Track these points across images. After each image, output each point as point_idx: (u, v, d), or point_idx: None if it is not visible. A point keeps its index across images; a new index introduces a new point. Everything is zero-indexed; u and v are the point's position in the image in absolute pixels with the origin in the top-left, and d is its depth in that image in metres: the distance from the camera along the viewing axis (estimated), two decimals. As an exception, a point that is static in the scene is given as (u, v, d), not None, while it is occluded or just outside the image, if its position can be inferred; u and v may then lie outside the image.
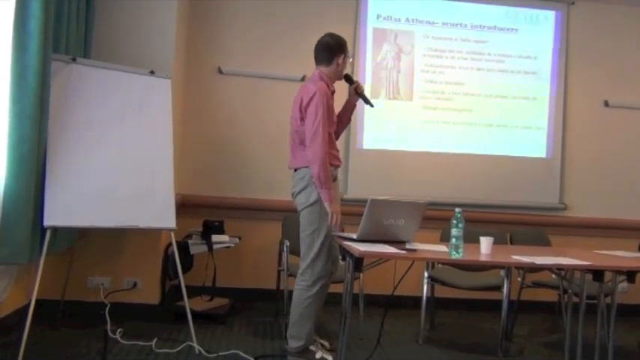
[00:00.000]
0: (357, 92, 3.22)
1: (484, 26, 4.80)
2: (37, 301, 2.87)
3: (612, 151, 4.87)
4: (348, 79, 3.21)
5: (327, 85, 3.03)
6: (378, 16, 4.70)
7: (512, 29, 4.83)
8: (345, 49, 3.10)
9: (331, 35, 3.11)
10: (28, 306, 2.87)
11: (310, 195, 2.98)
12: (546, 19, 4.87)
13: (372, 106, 3.26)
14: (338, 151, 3.14)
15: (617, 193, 4.80)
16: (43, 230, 2.92)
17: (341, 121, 3.25)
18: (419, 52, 4.73)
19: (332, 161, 3.02)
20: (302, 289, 3.01)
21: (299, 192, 3.02)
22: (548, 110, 4.84)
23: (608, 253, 3.38)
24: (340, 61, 3.07)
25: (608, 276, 2.91)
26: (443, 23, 4.76)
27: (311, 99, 2.91)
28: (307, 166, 2.96)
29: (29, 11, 2.82)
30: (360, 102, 3.27)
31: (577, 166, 4.85)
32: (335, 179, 3.06)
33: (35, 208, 2.92)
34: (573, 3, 4.87)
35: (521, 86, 4.82)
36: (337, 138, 3.21)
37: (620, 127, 4.89)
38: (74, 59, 3.20)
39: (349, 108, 3.29)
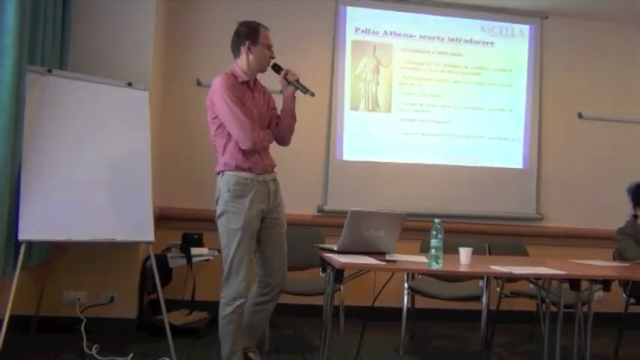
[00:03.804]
0: (287, 81, 2.84)
1: (460, 39, 4.87)
2: (11, 316, 2.80)
3: (587, 162, 4.96)
4: (276, 68, 2.87)
5: (236, 77, 2.78)
6: (357, 29, 4.75)
7: (488, 43, 4.92)
8: (254, 35, 2.76)
9: (242, 23, 2.82)
10: (1, 322, 2.80)
11: (219, 207, 2.75)
12: (521, 33, 4.97)
13: (312, 94, 2.82)
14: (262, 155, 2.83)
15: (592, 204, 4.88)
16: (18, 244, 2.86)
17: (283, 120, 2.90)
18: (397, 64, 4.78)
19: (244, 165, 2.74)
20: (221, 306, 2.76)
21: (216, 201, 2.79)
22: (524, 122, 4.92)
23: (584, 262, 3.44)
24: (246, 49, 2.76)
25: (584, 285, 2.95)
26: (420, 36, 4.82)
27: (214, 91, 2.71)
28: (221, 172, 2.76)
29: (4, 25, 2.78)
30: (308, 97, 2.86)
31: (553, 176, 4.93)
32: (251, 188, 2.73)
33: (9, 222, 2.86)
34: (547, 17, 4.98)
35: (498, 98, 4.90)
36: (286, 141, 2.96)
37: (594, 138, 4.99)
38: (50, 71, 3.16)
39: (287, 102, 2.87)
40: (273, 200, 2.85)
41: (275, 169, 2.92)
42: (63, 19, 3.53)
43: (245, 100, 2.75)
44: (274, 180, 2.88)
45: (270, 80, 3.00)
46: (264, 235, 2.85)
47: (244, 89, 2.79)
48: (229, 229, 2.72)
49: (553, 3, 4.78)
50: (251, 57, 2.77)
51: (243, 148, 2.70)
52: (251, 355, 2.92)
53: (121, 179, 3.28)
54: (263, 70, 2.84)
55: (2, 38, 2.79)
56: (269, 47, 2.80)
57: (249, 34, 2.77)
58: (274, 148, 2.98)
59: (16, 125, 2.90)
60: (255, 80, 2.90)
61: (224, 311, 2.74)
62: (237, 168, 2.73)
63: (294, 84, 2.83)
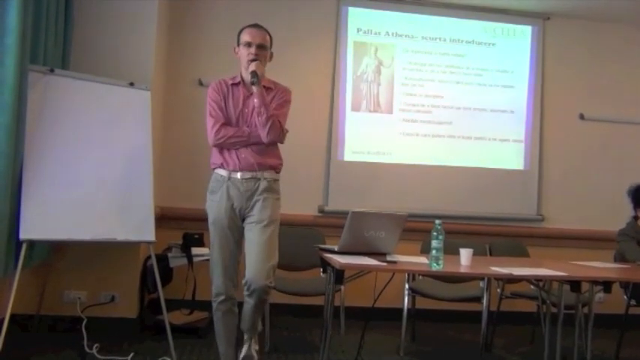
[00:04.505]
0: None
1: (462, 40, 4.87)
2: (12, 315, 2.81)
3: (588, 163, 4.96)
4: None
5: (229, 80, 2.86)
6: (359, 30, 4.75)
7: (490, 43, 4.92)
8: (238, 39, 2.83)
9: None
10: (2, 321, 2.80)
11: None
12: (523, 34, 4.96)
13: (252, 84, 2.69)
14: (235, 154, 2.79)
15: (592, 205, 4.87)
16: (19, 243, 2.86)
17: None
18: (399, 65, 4.77)
19: (218, 161, 2.83)
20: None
21: None
22: (525, 123, 4.92)
23: (585, 263, 3.43)
24: (236, 50, 2.85)
25: (585, 286, 2.95)
26: (422, 37, 4.82)
27: None
28: (212, 169, 2.86)
29: (6, 25, 2.79)
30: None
31: (554, 178, 4.93)
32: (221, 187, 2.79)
33: (11, 221, 2.87)
34: (549, 18, 4.97)
35: (499, 99, 4.89)
36: (261, 138, 2.77)
37: (595, 139, 4.98)
38: (52, 70, 3.17)
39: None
40: (250, 198, 2.77)
41: (269, 169, 2.81)
42: (65, 19, 3.53)
43: (228, 100, 2.83)
44: (257, 179, 2.78)
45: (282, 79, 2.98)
46: (245, 234, 2.82)
47: (234, 90, 2.84)
48: (209, 225, 2.83)
49: (555, 4, 4.77)
50: (239, 56, 2.84)
51: (209, 144, 2.82)
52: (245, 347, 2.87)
53: (123, 179, 3.28)
54: (251, 69, 2.70)
55: (5, 37, 2.79)
56: (247, 45, 2.78)
57: (236, 39, 2.86)
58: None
59: (18, 125, 2.90)
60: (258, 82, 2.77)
61: (213, 309, 2.83)
62: (214, 164, 2.85)
63: (249, 74, 2.72)
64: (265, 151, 2.81)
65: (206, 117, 2.83)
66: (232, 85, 2.86)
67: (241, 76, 2.86)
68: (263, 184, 2.79)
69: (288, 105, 2.90)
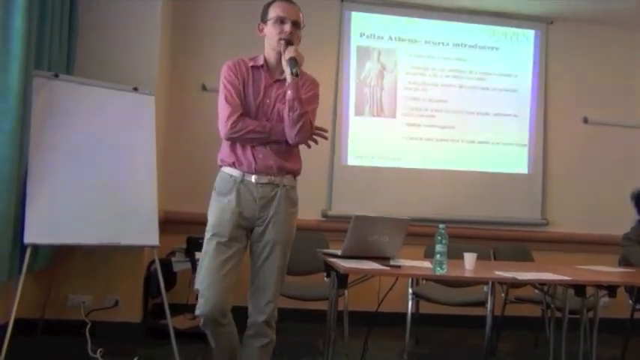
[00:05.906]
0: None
1: (465, 45, 4.87)
2: (17, 320, 2.82)
3: (592, 167, 4.95)
4: (286, 45, 2.37)
5: (249, 60, 2.44)
6: (362, 35, 4.75)
7: (493, 48, 4.91)
8: (264, 13, 2.41)
9: None
10: (6, 325, 2.81)
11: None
12: (526, 38, 4.96)
13: (295, 74, 2.27)
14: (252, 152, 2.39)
15: (597, 209, 4.86)
16: (23, 248, 2.87)
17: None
18: (402, 69, 4.78)
19: (229, 159, 2.40)
20: None
21: None
22: (529, 127, 4.91)
23: (590, 268, 3.42)
24: (260, 31, 2.45)
25: (590, 291, 2.94)
26: (425, 41, 4.82)
27: None
28: (220, 167, 2.47)
29: (11, 30, 2.81)
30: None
31: (558, 181, 4.92)
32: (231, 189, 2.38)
33: (15, 226, 2.88)
34: (552, 22, 4.97)
35: (503, 103, 4.89)
36: (288, 137, 2.38)
37: (599, 143, 4.98)
38: (56, 75, 3.18)
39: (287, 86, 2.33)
40: (265, 209, 2.38)
41: (288, 173, 2.46)
42: (70, 24, 3.55)
43: (247, 86, 2.39)
44: (275, 185, 2.40)
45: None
46: (252, 253, 2.45)
47: (254, 74, 2.41)
48: (207, 229, 2.40)
49: (558, 8, 4.77)
50: (265, 38, 2.42)
51: (221, 136, 2.39)
52: None
53: (126, 183, 3.29)
54: (289, 55, 2.32)
55: (10, 43, 2.81)
56: (279, 21, 2.34)
57: (261, 13, 2.43)
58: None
59: (23, 129, 2.92)
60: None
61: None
62: (223, 162, 2.43)
63: (287, 62, 2.30)
64: (287, 153, 2.43)
65: (218, 102, 2.37)
66: (253, 67, 2.41)
67: (265, 59, 2.43)
68: (281, 193, 2.40)
69: (317, 100, 2.49)
